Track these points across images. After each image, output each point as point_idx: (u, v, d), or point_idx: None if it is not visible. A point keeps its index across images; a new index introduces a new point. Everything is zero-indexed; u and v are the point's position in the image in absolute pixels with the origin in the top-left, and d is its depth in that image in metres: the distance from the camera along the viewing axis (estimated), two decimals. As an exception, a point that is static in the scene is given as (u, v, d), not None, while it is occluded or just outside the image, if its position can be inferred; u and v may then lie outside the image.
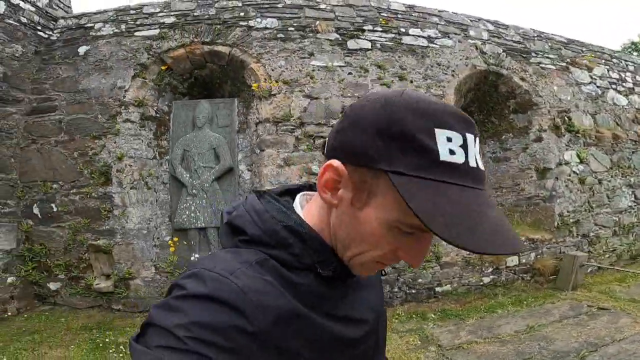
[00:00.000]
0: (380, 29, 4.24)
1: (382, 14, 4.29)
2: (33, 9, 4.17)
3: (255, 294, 0.46)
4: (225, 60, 4.19)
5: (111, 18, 4.27)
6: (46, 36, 4.31)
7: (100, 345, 2.95)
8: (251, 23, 4.07)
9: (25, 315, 3.66)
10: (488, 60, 4.46)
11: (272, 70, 4.05)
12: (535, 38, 4.92)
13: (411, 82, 4.20)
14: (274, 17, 4.11)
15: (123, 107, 4.04)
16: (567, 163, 4.58)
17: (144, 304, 3.70)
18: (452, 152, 0.43)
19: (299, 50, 4.08)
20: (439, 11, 4.58)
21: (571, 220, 4.52)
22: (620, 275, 4.58)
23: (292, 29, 4.09)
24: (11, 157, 3.95)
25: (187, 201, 4.16)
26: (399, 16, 4.36)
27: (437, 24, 4.46)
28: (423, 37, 4.34)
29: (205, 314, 0.43)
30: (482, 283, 4.22)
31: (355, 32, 4.19)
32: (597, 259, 4.75)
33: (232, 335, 0.43)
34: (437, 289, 4.07)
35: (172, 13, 4.15)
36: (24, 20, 4.08)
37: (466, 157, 0.43)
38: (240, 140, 4.33)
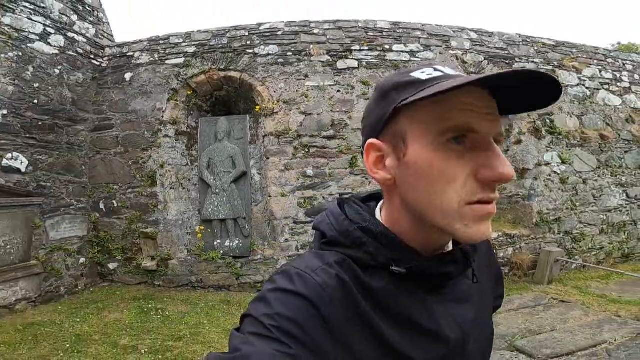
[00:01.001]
0: (367, 48, 4.58)
1: (368, 34, 4.60)
2: (85, 40, 4.96)
3: (331, 290, 0.47)
4: (237, 84, 4.83)
5: (146, 47, 5.05)
6: (98, 64, 5.14)
7: (145, 310, 3.84)
8: (256, 50, 4.64)
9: (91, 290, 4.65)
10: (468, 70, 4.60)
11: (274, 92, 4.61)
12: (521, 43, 4.90)
13: None
14: (274, 44, 4.63)
15: (162, 125, 4.86)
16: (547, 164, 4.64)
17: (178, 280, 4.60)
18: (429, 75, 0.47)
19: (296, 73, 4.58)
20: (422, 25, 4.75)
21: (551, 217, 4.63)
22: (605, 273, 4.61)
23: (290, 53, 4.59)
24: (82, 165, 4.96)
25: (211, 198, 4.95)
26: (384, 34, 4.63)
27: (420, 38, 4.66)
28: (406, 52, 4.60)
29: (288, 307, 0.45)
30: (458, 273, 4.56)
31: (344, 53, 4.58)
32: (582, 256, 4.81)
33: (309, 328, 0.44)
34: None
35: (192, 43, 4.84)
36: (80, 51, 4.89)
37: (443, 72, 0.47)
38: (251, 150, 5.00)
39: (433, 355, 0.50)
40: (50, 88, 4.46)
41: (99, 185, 4.95)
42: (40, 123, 4.34)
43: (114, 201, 4.89)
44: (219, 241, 4.82)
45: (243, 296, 4.34)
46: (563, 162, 4.69)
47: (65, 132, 4.68)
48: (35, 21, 4.31)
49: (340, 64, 4.58)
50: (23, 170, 4.14)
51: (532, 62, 4.84)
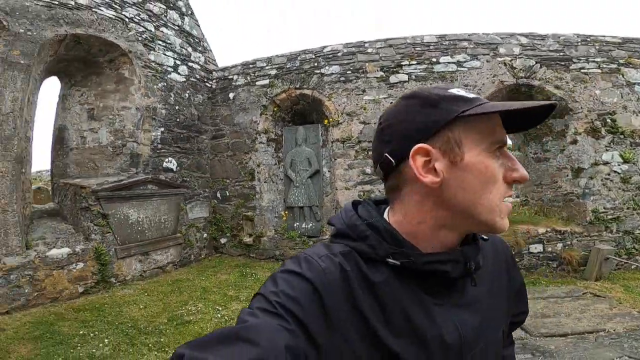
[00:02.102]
0: (415, 62, 4.86)
1: (416, 48, 4.86)
2: (199, 67, 6.27)
3: (332, 277, 0.48)
4: (310, 99, 5.69)
5: (240, 71, 6.21)
6: (210, 86, 6.48)
7: (244, 274, 5.16)
8: (322, 70, 5.39)
9: (209, 258, 6.04)
10: (517, 74, 4.51)
11: (339, 105, 5.34)
12: (579, 43, 4.49)
13: None
14: (336, 64, 5.29)
15: (257, 134, 6.08)
16: (606, 163, 4.34)
17: (267, 253, 5.89)
18: (467, 94, 0.52)
19: (355, 89, 5.20)
20: (469, 35, 4.74)
21: (609, 216, 4.38)
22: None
23: (349, 72, 5.21)
24: (206, 165, 6.54)
25: (293, 190, 6.06)
26: (431, 47, 4.83)
27: (466, 48, 4.70)
28: (452, 63, 4.73)
29: (293, 287, 0.47)
30: (503, 262, 4.75)
31: (395, 68, 4.97)
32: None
33: (308, 308, 0.45)
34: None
35: (274, 66, 5.83)
36: (198, 76, 6.23)
37: (474, 94, 0.53)
38: (323, 152, 5.89)
39: (427, 357, 0.49)
40: (184, 108, 5.99)
41: (217, 179, 6.47)
42: (181, 135, 5.93)
43: (226, 191, 6.38)
44: (297, 223, 5.95)
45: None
46: (625, 162, 4.31)
47: (195, 140, 6.25)
48: (168, 56, 5.66)
49: (392, 79, 5.01)
50: (174, 169, 5.78)
51: (593, 61, 4.42)
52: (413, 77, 4.94)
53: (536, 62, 4.62)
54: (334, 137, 5.47)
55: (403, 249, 0.51)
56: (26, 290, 3.65)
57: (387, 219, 0.56)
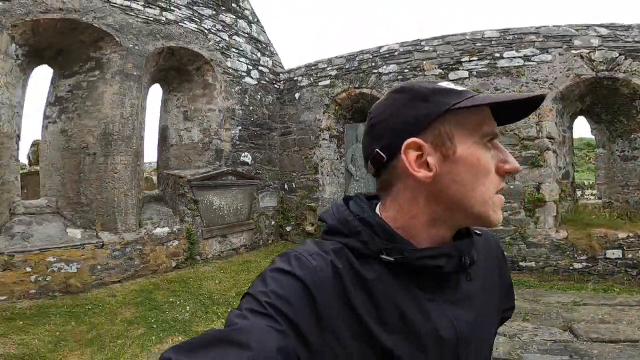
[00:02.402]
0: (476, 58, 4.64)
1: (476, 44, 4.62)
2: (267, 70, 6.86)
3: (324, 275, 0.47)
4: (369, 98, 5.84)
5: (304, 72, 6.62)
6: (278, 87, 7.05)
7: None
8: (380, 70, 5.49)
9: (275, 244, 6.67)
10: (597, 67, 3.99)
11: (396, 103, 5.39)
12: None
13: None
14: (393, 64, 5.33)
15: (321, 131, 6.49)
16: None
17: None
18: (456, 87, 0.52)
19: (413, 86, 5.19)
20: (536, 28, 4.32)
21: None
22: None
23: (406, 70, 5.21)
24: (276, 159, 7.18)
25: (353, 184, 6.35)
26: (493, 42, 4.53)
27: (534, 41, 4.31)
28: (518, 57, 4.40)
29: (283, 286, 0.45)
30: (572, 267, 4.39)
31: (455, 65, 4.81)
32: None
33: (299, 308, 0.44)
34: (521, 263, 4.63)
35: (334, 67, 6.10)
36: (267, 79, 6.84)
37: (464, 88, 0.52)
38: None
39: (420, 352, 0.48)
40: (257, 109, 6.69)
41: (285, 172, 7.07)
42: (255, 133, 6.65)
43: (293, 183, 6.95)
44: (357, 215, 6.25)
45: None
46: None
47: (267, 137, 6.94)
48: (242, 62, 6.34)
49: (452, 75, 4.88)
50: (249, 163, 6.55)
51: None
52: (474, 73, 4.75)
53: (620, 54, 4.05)
54: (392, 133, 5.58)
55: (396, 244, 0.50)
56: (135, 262, 4.67)
57: (379, 214, 0.54)
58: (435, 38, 5.04)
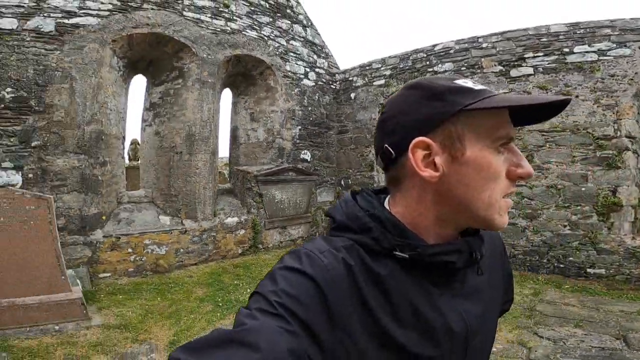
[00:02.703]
0: (542, 54, 4.30)
1: (541, 39, 4.27)
2: (323, 71, 7.12)
3: (336, 273, 0.46)
4: (424, 97, 5.77)
5: (358, 73, 6.73)
6: (334, 87, 7.27)
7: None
8: (435, 68, 5.37)
9: None
10: None
11: (452, 101, 5.27)
12: None
13: (577, 96, 4.14)
14: (449, 62, 5.18)
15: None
16: None
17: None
18: (474, 85, 0.49)
19: (471, 85, 5.01)
20: (611, 21, 3.83)
21: None
22: None
23: (463, 68, 5.03)
24: (333, 156, 7.48)
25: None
26: (561, 37, 4.15)
27: (610, 35, 3.84)
28: (592, 52, 3.97)
29: (293, 285, 0.44)
30: (649, 279, 3.96)
31: (517, 62, 4.52)
32: None
33: (310, 307, 0.43)
34: (590, 270, 4.27)
35: (387, 67, 6.11)
36: (323, 80, 7.10)
37: (482, 86, 0.50)
38: None
39: (433, 348, 0.48)
40: (315, 109, 7.02)
41: (342, 169, 7.32)
42: (313, 131, 7.02)
43: (349, 180, 7.17)
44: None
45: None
46: None
47: (324, 135, 7.25)
48: (299, 65, 6.69)
49: (514, 72, 4.60)
50: (308, 160, 6.95)
51: None
52: (540, 69, 4.42)
53: None
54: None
55: (408, 241, 0.49)
56: (209, 248, 5.36)
57: (389, 209, 0.53)
58: (493, 34, 4.78)
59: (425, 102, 0.49)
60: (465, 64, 5.08)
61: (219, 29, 5.53)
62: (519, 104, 0.48)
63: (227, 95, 6.90)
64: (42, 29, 4.06)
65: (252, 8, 5.96)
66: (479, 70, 4.94)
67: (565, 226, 4.44)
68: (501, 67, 4.74)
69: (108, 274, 4.43)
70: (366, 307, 0.47)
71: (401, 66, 5.96)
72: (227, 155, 7.43)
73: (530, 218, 4.67)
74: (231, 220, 5.68)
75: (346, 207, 0.54)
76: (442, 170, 0.48)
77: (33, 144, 4.03)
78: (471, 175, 0.48)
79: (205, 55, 5.35)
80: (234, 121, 6.84)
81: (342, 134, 7.23)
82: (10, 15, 3.90)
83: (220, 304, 3.80)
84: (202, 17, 5.31)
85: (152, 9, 4.81)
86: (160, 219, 5.22)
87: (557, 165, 4.48)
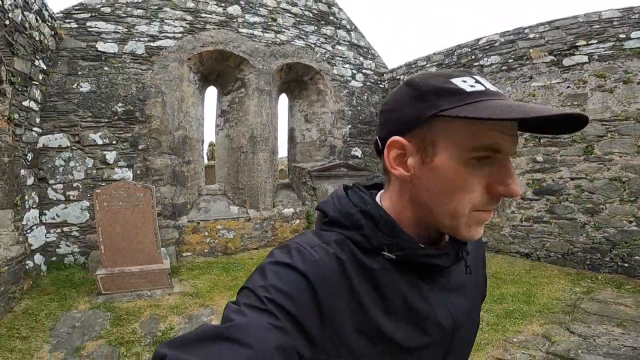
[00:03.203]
0: (596, 41, 3.90)
1: (594, 27, 3.87)
2: (371, 72, 7.27)
3: (327, 268, 0.45)
4: (472, 91, 5.59)
5: (405, 71, 6.74)
6: (382, 87, 7.38)
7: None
8: (481, 62, 5.18)
9: None
10: None
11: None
12: None
13: (638, 83, 3.70)
14: (495, 55, 4.96)
15: (423, 124, 6.58)
16: None
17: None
18: (472, 86, 0.44)
19: (520, 77, 4.75)
20: None
21: None
22: None
23: (511, 60, 4.78)
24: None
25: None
26: (615, 23, 3.73)
27: None
28: None
29: (283, 280, 0.43)
30: None
31: (569, 51, 4.17)
32: None
33: (301, 302, 0.42)
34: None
35: (433, 63, 6.04)
36: (371, 80, 7.27)
37: (485, 86, 0.44)
38: None
39: (423, 339, 0.49)
40: (364, 108, 7.26)
41: (392, 163, 7.45)
42: (363, 130, 7.27)
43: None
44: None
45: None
46: None
47: (375, 133, 7.45)
48: (346, 68, 6.98)
49: (567, 62, 4.25)
50: (359, 156, 7.27)
51: None
52: (595, 57, 4.03)
53: None
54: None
55: (397, 240, 0.48)
56: (268, 234, 6.04)
57: (380, 204, 0.53)
58: (540, 24, 4.46)
59: (410, 101, 0.47)
60: (512, 56, 4.83)
61: (270, 42, 6.11)
62: (505, 117, 0.40)
63: (284, 100, 7.52)
64: (136, 52, 5.05)
65: (298, 19, 6.42)
66: (527, 62, 4.67)
67: (630, 222, 4.03)
68: (552, 57, 4.42)
69: (189, 253, 5.38)
70: (358, 302, 0.46)
71: (446, 62, 5.86)
72: (287, 154, 8.11)
73: (591, 213, 4.31)
74: (288, 211, 6.31)
75: (339, 203, 0.53)
76: (412, 172, 0.48)
77: (139, 147, 5.09)
78: (436, 183, 0.46)
79: (260, 66, 6.00)
80: (291, 123, 7.46)
81: (395, 131, 7.31)
82: (111, 41, 4.91)
83: (272, 281, 4.40)
84: (255, 32, 5.94)
85: (214, 28, 5.58)
86: (230, 208, 6.07)
87: (620, 156, 4.07)
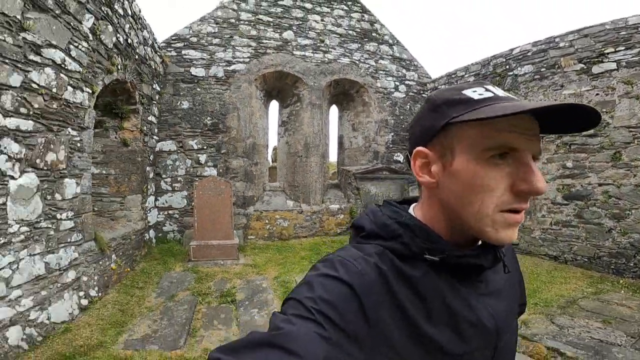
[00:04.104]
0: (623, 48, 3.76)
1: (620, 33, 3.72)
2: (414, 83, 7.57)
3: (370, 277, 0.45)
4: (507, 98, 5.60)
5: (445, 81, 6.92)
6: (425, 96, 7.53)
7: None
8: (515, 72, 5.21)
9: None
10: None
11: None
12: None
13: None
14: (528, 64, 4.95)
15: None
16: None
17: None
18: (480, 94, 0.46)
19: (552, 85, 4.72)
20: None
21: None
22: None
23: (543, 69, 4.75)
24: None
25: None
26: None
27: None
28: None
29: (330, 291, 0.43)
30: None
31: (597, 58, 4.06)
32: None
33: (347, 312, 0.42)
34: (689, 281, 3.59)
35: (471, 74, 6.17)
36: (414, 91, 7.58)
37: (494, 93, 0.45)
38: None
39: (468, 345, 0.48)
40: (407, 117, 7.57)
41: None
42: (405, 137, 7.56)
43: (441, 176, 7.43)
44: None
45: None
46: None
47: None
48: (389, 80, 7.41)
49: (596, 69, 4.14)
50: (402, 161, 7.68)
51: None
52: (623, 63, 3.88)
53: None
54: (532, 132, 5.26)
55: (436, 244, 0.48)
56: (316, 226, 6.85)
57: (414, 216, 0.53)
58: (570, 32, 4.37)
59: (428, 114, 0.50)
60: (545, 65, 4.80)
61: (319, 61, 6.91)
62: (496, 114, 0.41)
63: (335, 110, 8.26)
64: (217, 75, 6.28)
65: (342, 38, 7.09)
66: (558, 70, 4.62)
67: (660, 229, 3.82)
68: (582, 65, 4.33)
69: (253, 237, 6.49)
70: (400, 308, 0.45)
71: (483, 72, 5.95)
72: (337, 158, 8.85)
73: (617, 218, 4.16)
74: (334, 207, 7.05)
75: (374, 217, 0.54)
76: (437, 178, 0.49)
77: (222, 152, 6.35)
78: (458, 186, 0.47)
79: (312, 84, 6.86)
80: (340, 131, 8.19)
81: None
82: (199, 66, 6.19)
83: (313, 262, 5.18)
84: (306, 53, 6.78)
85: (273, 52, 6.59)
86: (286, 202, 7.06)
87: (648, 163, 3.87)
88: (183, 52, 6.06)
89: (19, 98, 2.44)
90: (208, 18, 6.26)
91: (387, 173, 7.35)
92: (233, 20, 6.36)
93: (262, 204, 6.76)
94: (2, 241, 2.34)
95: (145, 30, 4.72)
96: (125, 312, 3.27)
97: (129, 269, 4.37)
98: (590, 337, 2.75)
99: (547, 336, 2.77)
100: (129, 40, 4.14)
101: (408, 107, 7.57)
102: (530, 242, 5.21)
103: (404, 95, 7.55)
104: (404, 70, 7.61)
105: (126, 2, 3.96)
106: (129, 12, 4.09)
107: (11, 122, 2.39)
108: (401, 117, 7.51)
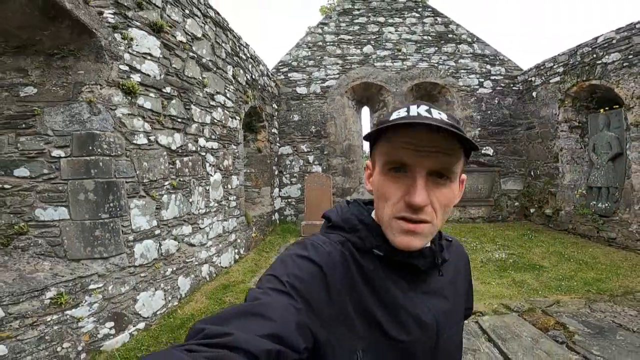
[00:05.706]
0: None
1: None
2: (501, 77, 7.48)
3: (334, 258, 0.53)
4: (603, 89, 5.29)
5: (535, 73, 6.78)
6: (516, 89, 7.41)
7: (529, 236, 6.33)
8: (603, 60, 4.96)
9: (514, 222, 7.41)
10: None
11: (627, 91, 4.72)
12: None
13: None
14: (615, 52, 4.69)
15: (558, 124, 6.43)
16: None
17: (561, 225, 6.27)
18: (398, 114, 0.52)
19: (641, 72, 4.40)
20: None
21: None
22: None
23: (631, 56, 4.47)
24: (522, 150, 7.64)
25: (594, 172, 5.90)
26: None
27: None
28: None
29: (301, 268, 0.50)
30: None
31: None
32: None
33: (314, 287, 0.49)
34: None
35: (559, 64, 6.01)
36: (502, 85, 7.53)
37: (409, 114, 0.51)
38: (627, 136, 5.24)
39: (405, 333, 0.54)
40: (495, 111, 7.62)
41: (531, 161, 7.38)
42: (495, 130, 7.64)
43: (537, 171, 7.17)
44: (593, 202, 5.82)
45: (588, 245, 5.34)
46: None
47: (509, 132, 7.65)
48: (472, 78, 7.56)
49: None
50: (491, 154, 7.74)
51: None
52: None
53: None
54: (629, 121, 4.92)
55: (382, 242, 0.55)
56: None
57: (373, 217, 0.60)
58: None
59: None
60: (632, 52, 4.48)
61: (399, 69, 7.71)
62: (371, 133, 0.53)
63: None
64: (316, 91, 7.87)
65: (419, 45, 7.66)
66: (648, 56, 4.30)
67: None
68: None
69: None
70: (355, 288, 0.53)
71: (571, 62, 5.69)
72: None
73: None
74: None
75: (341, 211, 0.63)
76: (371, 186, 0.58)
77: (324, 153, 8.02)
78: (374, 194, 0.57)
79: (394, 90, 7.77)
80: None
81: (530, 130, 7.34)
82: (302, 85, 7.85)
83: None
84: (386, 64, 7.68)
85: (357, 66, 7.79)
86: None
87: None
88: (289, 74, 7.73)
89: (210, 129, 4.43)
90: (301, 44, 7.86)
91: (475, 166, 7.61)
92: (321, 43, 7.80)
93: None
94: (207, 211, 4.36)
95: (260, 65, 6.12)
96: (257, 265, 4.69)
97: (262, 238, 6.43)
98: (613, 321, 2.77)
99: (567, 314, 2.90)
100: (253, 76, 5.81)
101: (496, 101, 7.59)
102: (627, 236, 4.90)
103: (491, 91, 7.61)
104: (487, 66, 7.67)
105: (245, 50, 5.30)
106: (249, 55, 5.45)
107: (209, 144, 4.40)
108: (488, 112, 7.61)
